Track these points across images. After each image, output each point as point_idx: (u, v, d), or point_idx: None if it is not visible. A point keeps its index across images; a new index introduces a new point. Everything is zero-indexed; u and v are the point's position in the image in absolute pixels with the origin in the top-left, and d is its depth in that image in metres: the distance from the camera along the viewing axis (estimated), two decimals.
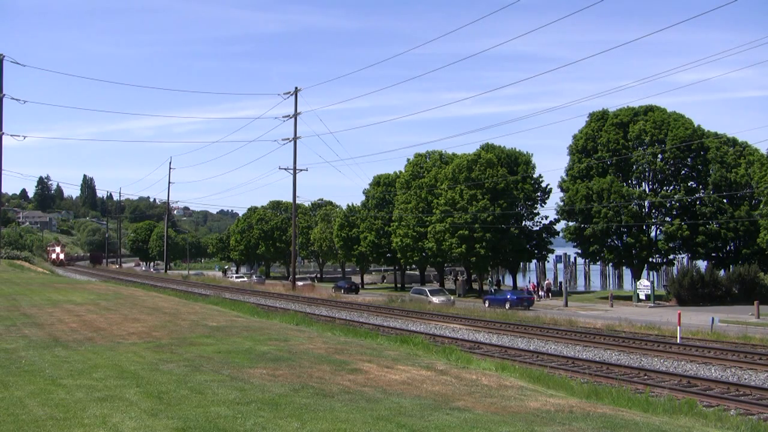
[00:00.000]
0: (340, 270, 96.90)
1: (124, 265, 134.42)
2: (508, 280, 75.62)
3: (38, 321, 17.88)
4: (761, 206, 49.43)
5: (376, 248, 69.82)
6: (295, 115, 57.89)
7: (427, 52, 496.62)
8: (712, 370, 20.26)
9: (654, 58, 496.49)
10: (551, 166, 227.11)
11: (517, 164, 62.33)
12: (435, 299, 45.86)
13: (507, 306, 43.57)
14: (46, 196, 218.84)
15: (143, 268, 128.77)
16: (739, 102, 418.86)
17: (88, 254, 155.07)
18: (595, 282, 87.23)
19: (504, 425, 7.75)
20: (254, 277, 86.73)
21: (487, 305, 45.24)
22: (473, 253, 57.69)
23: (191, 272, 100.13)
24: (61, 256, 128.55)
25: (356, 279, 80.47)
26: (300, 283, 65.13)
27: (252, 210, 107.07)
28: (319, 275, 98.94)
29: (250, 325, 18.51)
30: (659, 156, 54.20)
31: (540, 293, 54.42)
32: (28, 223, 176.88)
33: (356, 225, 72.05)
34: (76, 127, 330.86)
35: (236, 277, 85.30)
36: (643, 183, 56.70)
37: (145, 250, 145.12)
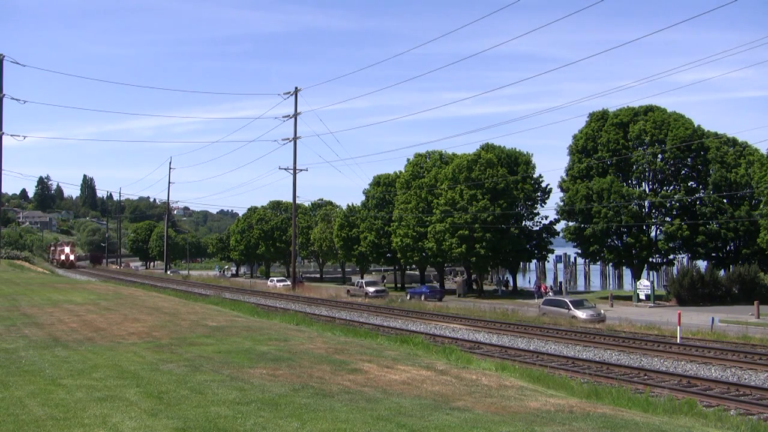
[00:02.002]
0: (340, 270, 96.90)
1: (122, 265, 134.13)
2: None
3: (38, 321, 17.88)
4: (761, 206, 49.40)
5: (376, 248, 69.76)
6: (295, 115, 57.94)
7: (427, 52, 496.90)
8: (712, 370, 20.26)
9: (654, 58, 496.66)
10: (551, 166, 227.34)
11: (517, 164, 62.31)
12: (581, 314, 33.56)
13: (422, 297, 51.78)
14: (46, 196, 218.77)
15: (134, 267, 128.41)
16: (739, 102, 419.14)
17: (88, 254, 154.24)
18: (595, 282, 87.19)
19: (504, 425, 7.75)
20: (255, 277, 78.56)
21: (408, 297, 53.59)
22: (473, 253, 57.67)
23: (169, 271, 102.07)
24: (71, 257, 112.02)
25: (366, 277, 70.11)
26: (371, 290, 55.14)
27: (252, 210, 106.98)
28: (319, 275, 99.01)
29: (250, 325, 18.51)
30: (659, 156, 54.17)
31: (550, 294, 54.18)
32: (28, 223, 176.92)
33: (356, 225, 71.98)
34: (76, 127, 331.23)
35: (277, 281, 71.43)
36: (643, 183, 56.68)
37: (145, 250, 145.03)
